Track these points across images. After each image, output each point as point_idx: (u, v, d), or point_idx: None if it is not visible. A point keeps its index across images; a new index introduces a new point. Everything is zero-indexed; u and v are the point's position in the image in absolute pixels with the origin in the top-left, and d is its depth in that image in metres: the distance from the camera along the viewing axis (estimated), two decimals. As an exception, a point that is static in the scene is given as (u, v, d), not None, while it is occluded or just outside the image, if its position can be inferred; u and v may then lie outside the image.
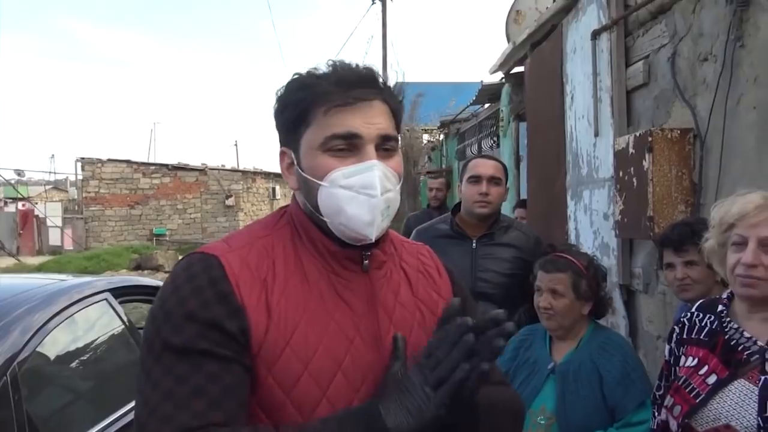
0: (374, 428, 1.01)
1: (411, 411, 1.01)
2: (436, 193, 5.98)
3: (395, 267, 1.27)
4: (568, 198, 4.90)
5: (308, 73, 1.18)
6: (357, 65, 1.18)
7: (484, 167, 2.93)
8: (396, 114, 1.20)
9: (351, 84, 1.14)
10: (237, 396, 1.04)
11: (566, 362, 2.22)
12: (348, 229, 1.14)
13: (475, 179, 2.90)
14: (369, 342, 1.16)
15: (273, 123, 1.24)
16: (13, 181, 26.36)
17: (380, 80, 1.19)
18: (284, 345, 1.08)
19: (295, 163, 1.18)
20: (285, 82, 1.20)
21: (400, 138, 1.27)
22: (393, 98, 1.20)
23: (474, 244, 2.89)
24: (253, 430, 1.04)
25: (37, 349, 2.13)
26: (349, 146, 1.13)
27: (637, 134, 3.42)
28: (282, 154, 1.22)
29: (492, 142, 9.43)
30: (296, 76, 1.19)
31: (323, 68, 1.17)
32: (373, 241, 1.16)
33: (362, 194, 1.12)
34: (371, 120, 1.14)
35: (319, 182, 1.13)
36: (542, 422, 2.17)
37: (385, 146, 1.16)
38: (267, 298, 1.10)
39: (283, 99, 1.19)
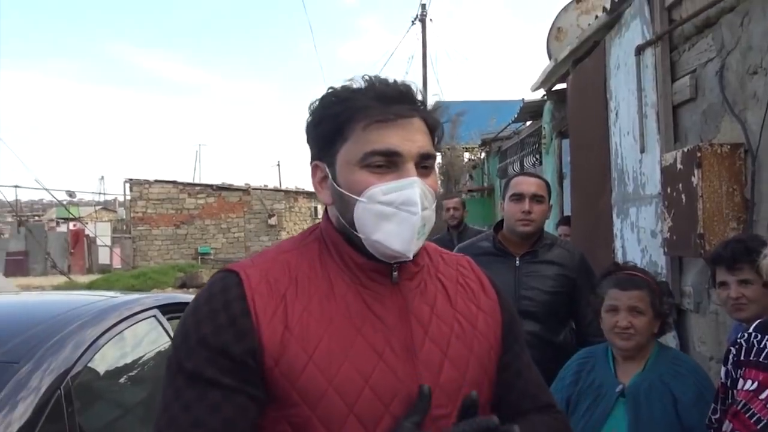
0: None
1: None
2: (453, 213, 5.84)
3: (431, 278, 1.24)
4: (614, 215, 4.81)
5: (344, 87, 1.17)
6: (395, 81, 1.17)
7: (527, 185, 2.89)
8: (433, 132, 1.18)
9: (391, 100, 1.13)
10: (236, 428, 1.05)
11: (635, 384, 2.14)
12: (384, 246, 1.12)
13: (518, 197, 2.86)
14: (401, 355, 1.12)
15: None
16: (65, 202, 27.21)
17: (419, 97, 1.17)
18: (307, 359, 1.07)
19: (330, 177, 1.17)
20: (320, 96, 1.19)
21: (439, 156, 1.27)
22: (431, 116, 1.18)
23: (517, 262, 2.86)
24: None
25: (89, 365, 2.18)
26: (388, 163, 1.11)
27: (686, 149, 3.34)
28: (315, 167, 1.20)
29: (534, 159, 9.35)
30: (332, 90, 1.17)
31: (359, 83, 1.16)
32: (410, 257, 1.14)
33: (403, 211, 1.10)
34: (411, 137, 1.12)
35: (357, 198, 1.12)
36: None
37: (423, 164, 1.14)
38: (286, 312, 1.09)
39: (318, 112, 1.17)
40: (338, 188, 1.15)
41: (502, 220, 2.99)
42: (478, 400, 1.10)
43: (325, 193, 1.20)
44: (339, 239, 1.18)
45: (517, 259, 2.87)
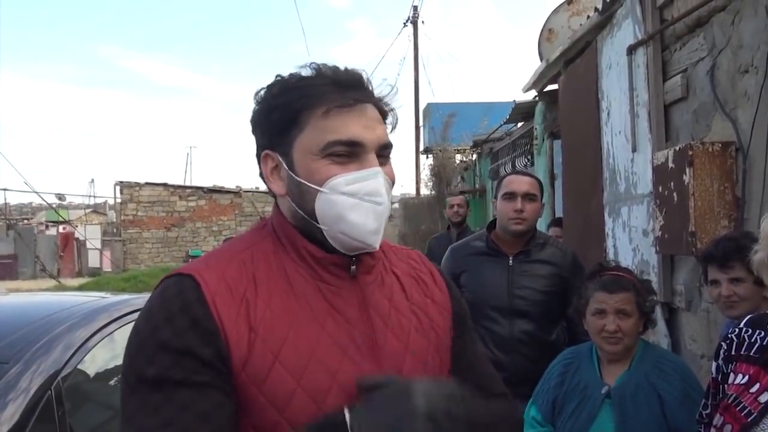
0: None
1: None
2: (458, 209, 5.99)
3: (386, 272, 1.22)
4: (606, 215, 4.83)
5: (293, 74, 1.13)
6: (346, 68, 1.13)
7: (519, 183, 2.89)
8: (386, 120, 1.16)
9: (347, 85, 1.10)
10: (213, 421, 0.97)
11: (621, 385, 2.13)
12: (349, 237, 1.09)
13: (510, 196, 2.86)
14: (364, 350, 1.10)
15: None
16: (54, 205, 27.05)
17: (370, 85, 1.15)
18: (273, 360, 1.02)
19: (285, 167, 1.12)
20: (267, 84, 1.14)
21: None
22: (383, 104, 1.16)
23: (510, 261, 2.86)
24: None
25: (79, 366, 2.16)
26: (349, 153, 1.08)
27: (677, 148, 3.36)
28: (265, 156, 1.15)
29: (526, 160, 9.37)
30: (280, 78, 1.13)
31: (306, 70, 1.12)
32: (376, 248, 1.12)
33: (367, 201, 1.08)
34: (371, 126, 1.10)
35: (318, 188, 1.08)
36: None
37: (382, 154, 1.12)
38: (248, 313, 1.04)
39: (269, 101, 1.12)
40: (296, 178, 1.10)
41: (495, 220, 2.99)
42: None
43: (277, 183, 1.15)
44: (293, 232, 1.14)
45: (511, 258, 2.86)
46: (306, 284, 1.11)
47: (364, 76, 1.14)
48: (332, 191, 1.07)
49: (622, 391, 2.11)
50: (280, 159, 1.13)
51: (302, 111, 1.10)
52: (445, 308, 1.27)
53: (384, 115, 1.16)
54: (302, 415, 1.01)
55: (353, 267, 1.14)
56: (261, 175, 1.18)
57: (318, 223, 1.10)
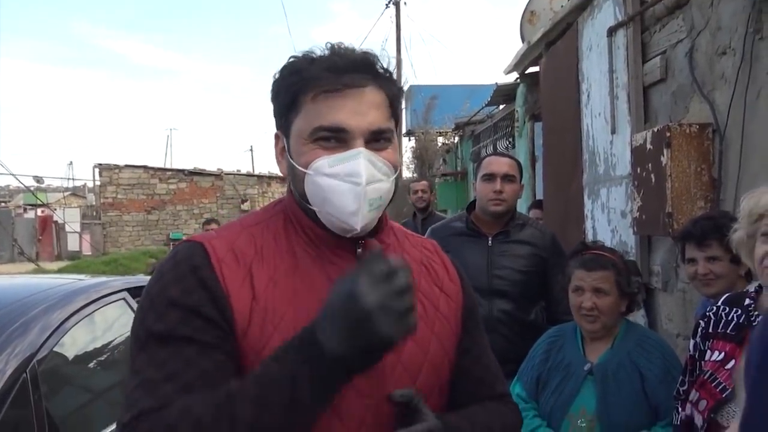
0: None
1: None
2: (422, 195, 5.86)
3: (396, 257, 1.23)
4: (585, 197, 4.86)
5: (303, 55, 1.13)
6: (353, 49, 1.13)
7: (498, 165, 2.91)
8: (393, 102, 1.14)
9: (342, 69, 1.09)
10: (215, 379, 1.00)
11: (603, 362, 2.17)
12: (334, 218, 1.10)
13: (489, 177, 2.88)
14: None
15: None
16: (32, 188, 26.65)
17: (377, 66, 1.13)
18: (272, 330, 1.05)
19: (286, 149, 1.15)
20: (281, 65, 1.15)
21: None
22: (390, 85, 1.14)
23: (490, 242, 2.88)
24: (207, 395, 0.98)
25: (55, 348, 2.14)
26: (336, 138, 1.09)
27: (655, 130, 3.38)
28: (276, 137, 1.19)
29: (507, 143, 9.40)
30: (292, 59, 1.14)
31: (318, 51, 1.12)
32: (359, 230, 1.10)
33: (347, 182, 1.07)
34: (361, 111, 1.09)
35: (304, 170, 1.10)
36: (583, 425, 2.11)
37: (377, 139, 1.11)
38: (252, 284, 1.08)
39: (277, 83, 1.15)
40: (290, 160, 1.14)
41: (475, 201, 3.00)
42: (411, 395, 1.07)
43: (282, 164, 1.19)
44: (300, 212, 1.17)
45: (490, 238, 2.88)
46: (312, 264, 1.13)
47: (370, 57, 1.12)
48: (316, 173, 1.09)
49: (605, 368, 2.14)
50: (284, 141, 1.16)
51: (299, 95, 1.11)
52: (455, 299, 1.27)
53: (390, 97, 1.14)
54: None
55: (359, 250, 1.15)
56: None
57: (310, 204, 1.13)
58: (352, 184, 1.07)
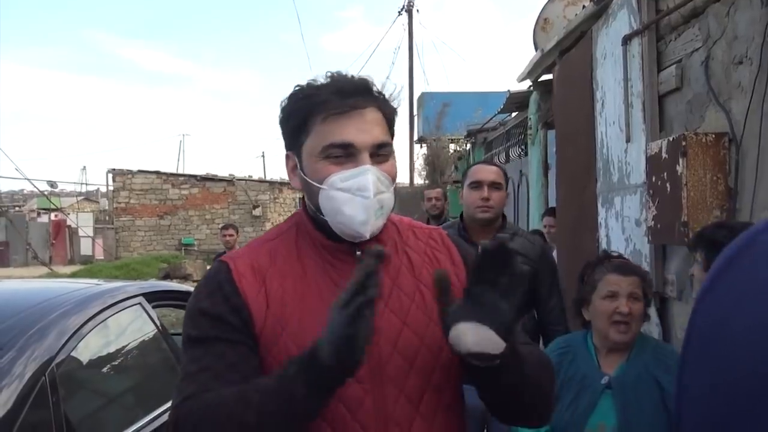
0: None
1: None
2: (435, 202, 5.94)
3: (396, 252, 1.35)
4: (599, 205, 4.84)
5: (308, 83, 1.29)
6: (353, 76, 1.30)
7: (485, 173, 2.98)
8: (390, 120, 1.31)
9: (348, 94, 1.25)
10: (240, 370, 1.20)
11: (621, 375, 2.09)
12: (345, 227, 1.25)
13: (476, 185, 2.95)
14: None
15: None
16: (46, 193, 26.88)
17: (374, 90, 1.29)
18: (281, 330, 1.23)
19: (299, 167, 1.31)
20: (289, 94, 1.32)
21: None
22: (387, 106, 1.31)
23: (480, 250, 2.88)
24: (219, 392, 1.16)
25: (72, 353, 2.16)
26: (345, 154, 1.24)
27: (671, 138, 3.37)
28: (287, 157, 1.35)
29: (520, 150, 9.39)
30: (298, 87, 1.30)
31: (321, 79, 1.29)
32: (367, 237, 1.26)
33: (357, 196, 1.23)
34: (365, 129, 1.25)
35: (319, 186, 1.25)
36: None
37: (379, 153, 1.27)
38: (266, 291, 1.26)
39: (287, 108, 1.31)
40: (304, 177, 1.29)
41: None
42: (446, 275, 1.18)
43: (295, 180, 1.34)
44: (308, 222, 1.34)
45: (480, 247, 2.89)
46: (317, 268, 1.30)
47: (369, 82, 1.29)
48: (330, 188, 1.24)
49: (623, 381, 2.08)
50: (296, 160, 1.32)
51: (308, 118, 1.27)
52: (457, 285, 1.29)
53: (387, 116, 1.31)
54: None
55: (358, 252, 1.28)
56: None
57: (324, 216, 1.27)
58: (362, 198, 1.23)
